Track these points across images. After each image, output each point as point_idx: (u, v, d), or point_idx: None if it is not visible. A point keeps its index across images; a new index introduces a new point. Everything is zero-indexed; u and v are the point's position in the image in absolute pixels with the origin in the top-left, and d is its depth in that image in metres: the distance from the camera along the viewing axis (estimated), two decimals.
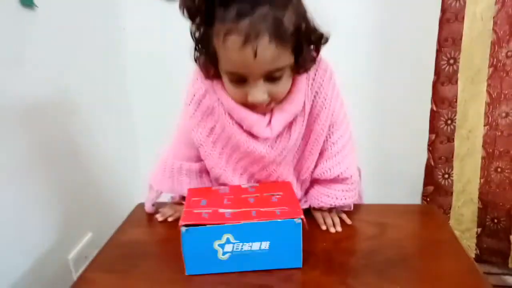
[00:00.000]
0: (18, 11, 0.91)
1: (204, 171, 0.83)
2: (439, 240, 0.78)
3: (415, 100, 1.37)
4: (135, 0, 1.39)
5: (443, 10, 1.22)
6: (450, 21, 1.22)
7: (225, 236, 0.60)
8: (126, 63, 1.43)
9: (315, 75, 0.74)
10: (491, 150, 1.33)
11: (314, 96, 0.75)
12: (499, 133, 1.31)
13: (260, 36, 0.59)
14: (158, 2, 1.37)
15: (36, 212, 0.97)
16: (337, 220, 0.81)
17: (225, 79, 0.68)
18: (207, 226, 0.60)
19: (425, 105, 1.32)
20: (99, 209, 1.22)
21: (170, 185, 0.83)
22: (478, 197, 1.38)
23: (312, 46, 0.69)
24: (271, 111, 0.72)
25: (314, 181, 0.84)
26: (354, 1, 1.34)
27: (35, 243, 0.97)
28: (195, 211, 0.64)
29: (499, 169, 1.33)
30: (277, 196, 0.70)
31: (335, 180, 0.81)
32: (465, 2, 1.20)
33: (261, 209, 0.64)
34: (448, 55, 1.25)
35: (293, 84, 0.71)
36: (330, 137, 0.79)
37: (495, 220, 1.38)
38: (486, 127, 1.32)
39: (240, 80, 0.65)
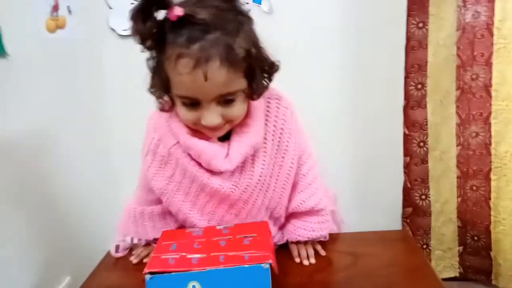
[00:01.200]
0: None
1: (168, 213, 0.83)
2: (411, 266, 0.79)
3: (388, 125, 1.40)
4: (112, 41, 1.42)
5: (408, 38, 1.27)
6: (415, 48, 1.27)
7: (191, 284, 0.60)
8: (106, 100, 1.45)
9: (277, 112, 0.76)
10: (465, 169, 1.37)
11: (281, 133, 0.76)
12: (471, 152, 1.34)
13: (211, 60, 0.60)
14: (134, 41, 1.40)
15: (14, 255, 0.96)
16: (311, 252, 0.82)
17: (178, 104, 0.68)
18: (172, 273, 0.60)
19: (398, 129, 1.36)
20: (77, 253, 1.21)
21: (134, 229, 0.85)
22: (457, 216, 1.41)
23: (264, 74, 0.70)
24: (229, 144, 0.73)
25: (290, 216, 0.85)
26: (323, 33, 1.39)
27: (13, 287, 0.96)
28: (163, 256, 0.64)
29: (474, 187, 1.36)
30: (250, 238, 0.70)
31: (310, 213, 0.82)
32: (427, 30, 1.25)
33: (230, 254, 0.64)
34: (416, 81, 1.29)
35: (249, 117, 0.72)
36: (300, 170, 0.81)
37: (475, 238, 1.40)
38: (458, 147, 1.36)
39: (193, 103, 0.66)
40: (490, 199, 1.34)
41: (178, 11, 0.60)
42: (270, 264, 0.62)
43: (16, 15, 1.00)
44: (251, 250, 0.65)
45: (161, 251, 0.67)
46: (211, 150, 0.71)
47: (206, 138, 0.72)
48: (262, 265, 0.61)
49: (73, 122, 1.24)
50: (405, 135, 1.35)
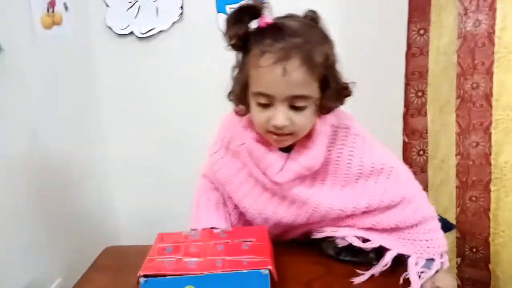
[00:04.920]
0: None
1: (223, 203, 0.84)
2: None
3: (387, 133, 1.39)
4: (108, 40, 1.41)
5: (408, 45, 1.26)
6: (416, 55, 1.26)
7: None
8: (100, 98, 1.45)
9: (345, 140, 0.77)
10: (464, 179, 1.35)
11: (350, 160, 0.77)
12: (471, 162, 1.33)
13: (291, 58, 0.65)
14: (131, 41, 1.40)
15: (7, 257, 0.95)
16: None
17: (253, 106, 0.72)
18: (168, 277, 0.57)
19: (398, 137, 1.34)
20: (68, 254, 1.20)
21: (193, 217, 0.85)
22: (456, 227, 1.39)
23: (337, 94, 0.73)
24: (286, 159, 0.75)
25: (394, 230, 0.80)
26: None
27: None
28: (158, 259, 0.62)
29: (473, 198, 1.35)
30: (249, 243, 0.68)
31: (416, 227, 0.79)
32: (428, 37, 1.24)
33: (228, 258, 0.62)
34: (416, 88, 1.28)
35: (311, 140, 0.74)
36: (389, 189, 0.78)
37: (474, 250, 1.38)
38: (458, 157, 1.34)
39: (266, 104, 0.69)
40: (489, 210, 1.32)
41: (268, 19, 0.67)
42: (270, 270, 0.60)
43: (11, 10, 0.99)
44: (250, 255, 0.63)
45: (156, 253, 0.64)
46: (269, 159, 0.75)
47: (270, 146, 0.75)
48: (262, 271, 0.60)
49: (65, 119, 1.23)
50: (404, 143, 1.33)
